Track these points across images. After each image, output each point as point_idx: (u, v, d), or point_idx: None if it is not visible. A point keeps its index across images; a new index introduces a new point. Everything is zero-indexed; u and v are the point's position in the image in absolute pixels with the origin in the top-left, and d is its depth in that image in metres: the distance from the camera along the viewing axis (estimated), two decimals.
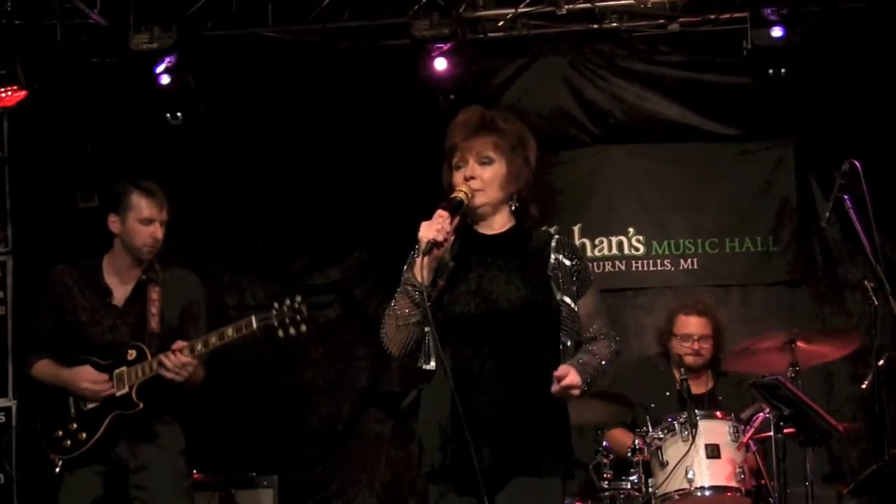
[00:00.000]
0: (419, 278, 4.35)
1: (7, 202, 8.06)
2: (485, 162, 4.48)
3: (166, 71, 7.69)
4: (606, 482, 6.45)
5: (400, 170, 7.82)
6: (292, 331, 5.51)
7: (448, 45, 7.61)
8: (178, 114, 7.85)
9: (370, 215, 7.93)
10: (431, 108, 7.62)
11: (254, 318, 5.55)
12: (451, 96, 7.68)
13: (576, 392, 4.35)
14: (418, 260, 4.35)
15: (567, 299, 4.49)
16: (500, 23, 7.78)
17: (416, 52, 7.64)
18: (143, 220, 5.78)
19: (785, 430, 6.09)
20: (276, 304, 5.53)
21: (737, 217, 8.04)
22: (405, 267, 4.57)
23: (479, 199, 4.47)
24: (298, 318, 5.51)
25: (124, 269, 5.88)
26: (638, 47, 8.01)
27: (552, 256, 4.53)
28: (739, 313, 7.76)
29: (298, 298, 5.52)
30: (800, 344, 6.26)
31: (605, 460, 6.49)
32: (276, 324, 5.53)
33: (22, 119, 7.96)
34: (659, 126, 8.06)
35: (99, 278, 5.87)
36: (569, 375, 4.32)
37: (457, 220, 4.40)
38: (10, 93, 7.68)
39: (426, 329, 4.46)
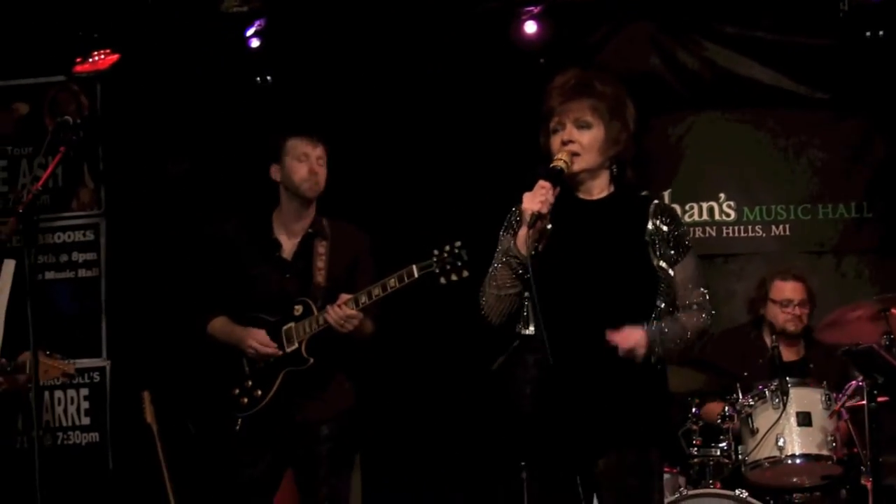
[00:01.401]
0: (522, 250, 4.33)
1: (100, 165, 8.12)
2: (583, 126, 4.44)
3: (256, 34, 7.77)
4: (696, 449, 6.43)
5: (495, 135, 7.81)
6: (454, 276, 5.48)
7: (538, 7, 7.63)
8: (269, 77, 7.91)
9: (466, 183, 7.92)
10: (524, 72, 7.61)
11: (415, 267, 5.53)
12: (542, 60, 7.70)
13: (639, 353, 4.36)
14: (521, 232, 4.32)
15: (664, 265, 4.47)
16: None
17: (507, 15, 7.65)
18: (301, 155, 5.86)
19: (878, 399, 6.03)
20: (435, 251, 5.50)
21: (829, 182, 7.97)
22: (501, 232, 4.57)
23: (578, 165, 4.42)
24: (459, 263, 5.47)
25: (291, 223, 5.94)
26: (731, 10, 7.92)
27: (650, 222, 4.50)
28: (831, 280, 7.73)
29: (458, 244, 5.48)
30: (894, 311, 6.18)
31: (694, 427, 6.47)
32: (437, 270, 5.50)
33: (115, 83, 8.01)
34: (750, 90, 7.97)
35: (268, 232, 5.93)
36: (629, 339, 4.34)
37: (557, 189, 4.34)
38: (103, 56, 7.81)
39: (525, 294, 4.44)
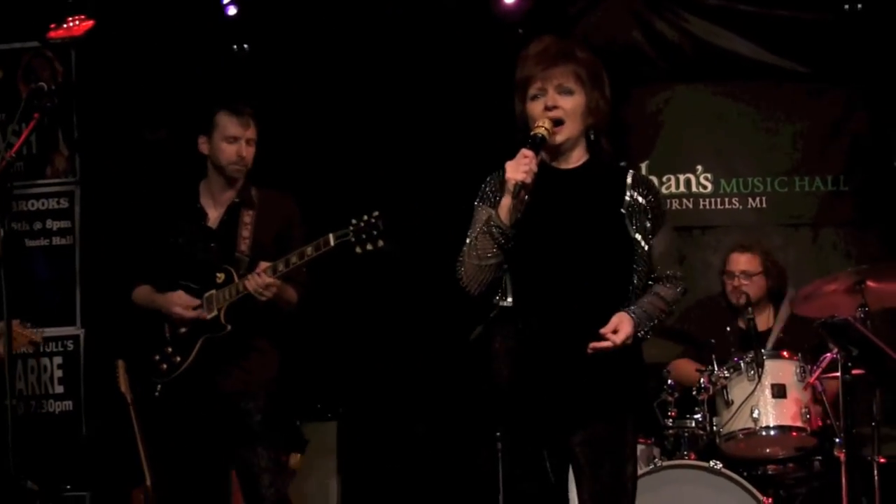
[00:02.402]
0: (505, 219, 4.34)
1: (75, 132, 8.10)
2: (565, 92, 4.44)
3: (233, 2, 7.78)
4: (671, 420, 6.49)
5: (469, 107, 7.83)
6: (369, 246, 5.52)
7: None
8: (245, 45, 7.93)
9: (435, 147, 7.96)
10: (503, 42, 7.54)
11: (331, 236, 5.57)
12: (520, 31, 7.71)
13: (628, 340, 4.37)
14: (505, 201, 4.34)
15: (639, 237, 4.49)
16: None
17: None
18: (229, 137, 5.91)
19: (853, 371, 6.04)
20: (353, 221, 5.53)
21: (807, 156, 8.01)
22: (476, 202, 4.59)
23: (562, 135, 4.43)
24: (375, 232, 5.50)
25: (217, 192, 5.99)
26: None
27: (628, 193, 4.53)
28: (808, 253, 7.79)
29: (375, 213, 5.51)
30: (870, 284, 6.19)
31: (669, 398, 6.52)
32: (353, 239, 5.53)
33: (90, 49, 7.98)
34: (730, 63, 8.02)
35: (194, 202, 5.97)
36: (621, 330, 4.35)
37: (539, 157, 4.36)
38: (77, 22, 7.76)
39: (504, 265, 4.45)
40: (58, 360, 7.99)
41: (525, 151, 4.32)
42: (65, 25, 7.76)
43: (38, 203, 8.12)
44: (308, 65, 7.97)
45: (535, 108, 4.45)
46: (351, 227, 5.54)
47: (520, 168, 4.29)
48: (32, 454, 7.42)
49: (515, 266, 4.45)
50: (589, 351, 4.35)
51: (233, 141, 5.91)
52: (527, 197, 4.39)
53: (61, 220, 8.11)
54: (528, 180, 4.30)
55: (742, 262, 7.06)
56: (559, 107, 4.42)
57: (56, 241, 8.09)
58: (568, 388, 4.43)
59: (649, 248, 4.53)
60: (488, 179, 4.64)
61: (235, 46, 7.94)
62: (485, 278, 4.49)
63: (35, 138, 8.01)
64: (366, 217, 5.53)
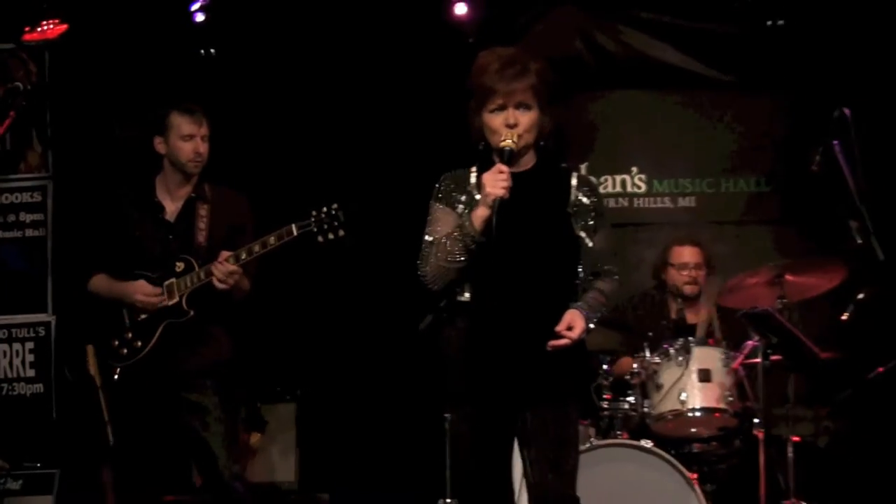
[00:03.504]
0: (479, 229, 4.40)
1: (48, 129, 8.14)
2: (524, 107, 4.49)
3: (201, 9, 7.82)
4: (606, 403, 6.60)
5: (422, 111, 7.90)
6: (330, 236, 5.56)
7: None
8: (212, 50, 7.98)
9: (385, 157, 8.02)
10: (454, 50, 7.65)
11: (294, 226, 5.60)
12: (471, 40, 7.78)
13: (583, 335, 4.49)
14: (481, 212, 4.38)
15: (583, 234, 4.60)
16: None
17: None
18: (185, 136, 5.91)
19: (772, 357, 6.28)
20: (314, 212, 5.58)
21: (733, 159, 8.15)
22: (432, 201, 4.68)
23: (520, 145, 4.48)
24: (336, 223, 5.55)
25: (174, 188, 5.99)
26: None
27: (572, 194, 4.62)
28: (734, 249, 7.87)
29: (335, 205, 5.55)
30: (788, 277, 6.40)
31: (605, 382, 6.66)
32: (314, 230, 5.57)
33: (63, 51, 8.02)
34: (663, 72, 8.12)
35: (152, 196, 5.99)
36: (575, 327, 4.45)
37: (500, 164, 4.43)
38: (51, 26, 7.80)
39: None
40: (29, 345, 8.04)
41: (501, 167, 4.37)
42: (39, 28, 7.79)
43: (11, 197, 8.17)
44: (271, 69, 8.00)
45: (495, 120, 4.49)
46: (312, 218, 5.56)
47: (498, 184, 4.34)
48: (4, 434, 7.56)
49: (473, 263, 4.50)
50: (549, 349, 4.44)
51: (188, 139, 5.91)
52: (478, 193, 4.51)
53: (34, 213, 8.16)
54: (507, 195, 4.34)
55: (688, 254, 7.11)
56: (519, 123, 4.48)
57: (29, 232, 8.14)
58: (519, 374, 4.51)
59: (592, 245, 4.62)
60: (442, 179, 4.70)
61: (202, 51, 7.97)
62: (449, 277, 4.56)
63: (9, 135, 7.89)
64: (325, 208, 5.56)
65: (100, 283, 6.00)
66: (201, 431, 5.88)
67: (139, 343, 5.85)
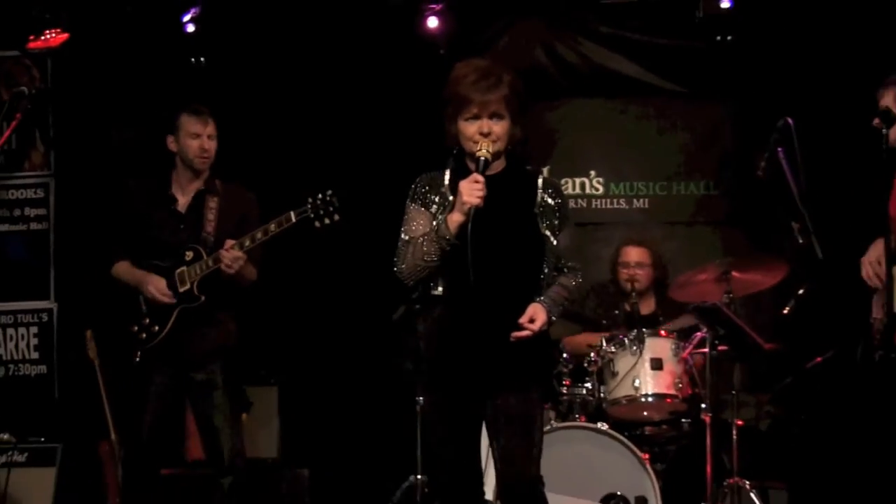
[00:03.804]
0: (454, 233, 4.39)
1: (50, 131, 8.11)
2: (497, 117, 4.47)
3: (192, 20, 7.78)
4: (565, 388, 6.61)
5: (397, 117, 7.90)
6: (327, 220, 5.60)
7: (440, 5, 7.70)
8: (202, 58, 7.93)
9: (362, 157, 7.99)
10: (426, 61, 7.71)
11: (292, 213, 5.65)
12: (442, 51, 7.77)
13: (544, 327, 4.50)
14: (456, 217, 4.37)
15: (548, 233, 4.59)
16: None
17: (412, 10, 7.72)
18: (192, 134, 6.00)
19: (719, 348, 6.30)
20: (310, 199, 5.62)
21: (684, 164, 8.13)
22: (408, 201, 4.65)
23: (492, 153, 4.47)
24: (331, 208, 5.58)
25: (185, 182, 6.07)
26: (605, 13, 8.06)
27: (538, 195, 4.61)
28: (684, 247, 7.86)
29: (329, 192, 5.60)
30: (734, 274, 6.41)
31: (564, 370, 6.65)
32: (311, 215, 5.60)
33: (64, 58, 7.98)
34: (620, 82, 8.11)
35: (166, 190, 6.06)
36: (538, 319, 4.46)
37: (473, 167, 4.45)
38: (54, 35, 7.73)
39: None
40: (33, 329, 8.02)
41: (477, 177, 4.37)
42: (42, 37, 7.72)
43: (17, 193, 8.13)
44: (257, 76, 7.97)
45: (470, 129, 4.47)
46: (309, 205, 5.60)
47: (474, 193, 4.33)
48: (10, 411, 7.56)
49: (446, 260, 4.49)
50: (512, 339, 4.43)
51: (195, 137, 5.99)
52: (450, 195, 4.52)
53: (37, 208, 8.13)
54: (482, 204, 4.34)
55: (634, 254, 7.13)
56: (493, 132, 4.46)
57: (33, 226, 8.11)
58: (487, 362, 4.51)
59: (556, 243, 4.61)
60: (418, 180, 4.67)
61: (193, 59, 7.92)
62: (424, 274, 4.55)
63: (15, 136, 7.79)
64: (321, 195, 5.60)
65: (122, 269, 6.07)
66: (208, 409, 5.95)
67: (156, 328, 5.91)
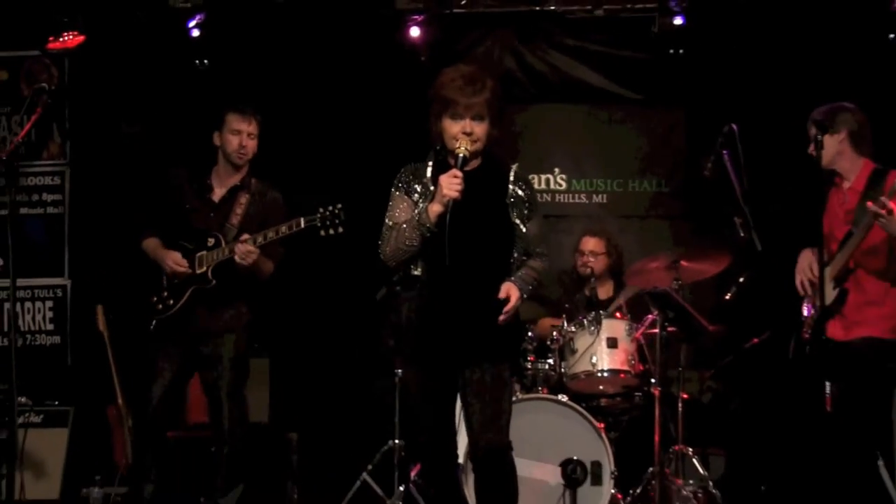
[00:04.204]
0: (433, 221, 4.44)
1: (66, 124, 8.10)
2: (478, 118, 4.51)
3: (197, 26, 7.76)
4: (529, 364, 6.60)
5: (381, 117, 7.87)
6: (331, 231, 5.60)
7: (421, 17, 7.69)
8: (205, 61, 7.91)
9: (350, 154, 7.96)
10: (408, 67, 7.75)
11: (302, 219, 5.65)
12: (423, 58, 7.78)
13: (518, 304, 4.54)
14: (435, 208, 4.42)
15: (518, 222, 4.62)
16: (463, 1, 7.79)
17: (397, 21, 7.70)
18: (234, 131, 5.97)
19: (668, 329, 6.30)
20: (320, 209, 5.61)
21: (638, 164, 8.12)
22: (393, 189, 4.68)
23: (472, 151, 4.52)
24: (337, 221, 5.58)
25: (224, 176, 6.06)
26: (570, 27, 8.04)
27: (510, 187, 4.64)
28: (638, 239, 7.85)
29: (339, 205, 5.59)
30: (683, 263, 6.41)
31: (529, 347, 6.64)
32: (318, 224, 5.60)
33: (80, 58, 7.97)
34: (583, 90, 8.11)
35: (205, 179, 6.05)
36: (512, 296, 4.50)
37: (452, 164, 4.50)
38: (71, 37, 7.74)
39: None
40: (49, 303, 8.03)
41: (456, 172, 4.42)
42: (61, 39, 7.72)
43: (35, 180, 8.12)
44: (255, 77, 7.91)
45: (454, 127, 4.51)
46: (318, 214, 5.61)
47: (453, 187, 4.38)
48: (27, 377, 7.38)
49: (426, 244, 4.52)
50: (500, 322, 4.49)
51: (236, 134, 5.98)
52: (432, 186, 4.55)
53: (54, 193, 8.13)
54: (460, 197, 4.39)
55: (590, 243, 7.14)
56: (474, 132, 4.51)
57: (49, 210, 8.11)
58: (461, 337, 4.53)
59: (525, 231, 4.64)
60: (403, 170, 4.70)
61: (197, 61, 7.89)
62: (405, 257, 4.58)
63: (34, 128, 7.52)
64: (331, 207, 5.60)
65: (150, 244, 6.07)
66: (213, 382, 5.96)
67: (172, 301, 5.93)
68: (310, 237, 5.72)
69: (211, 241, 5.90)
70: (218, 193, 6.05)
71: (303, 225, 5.66)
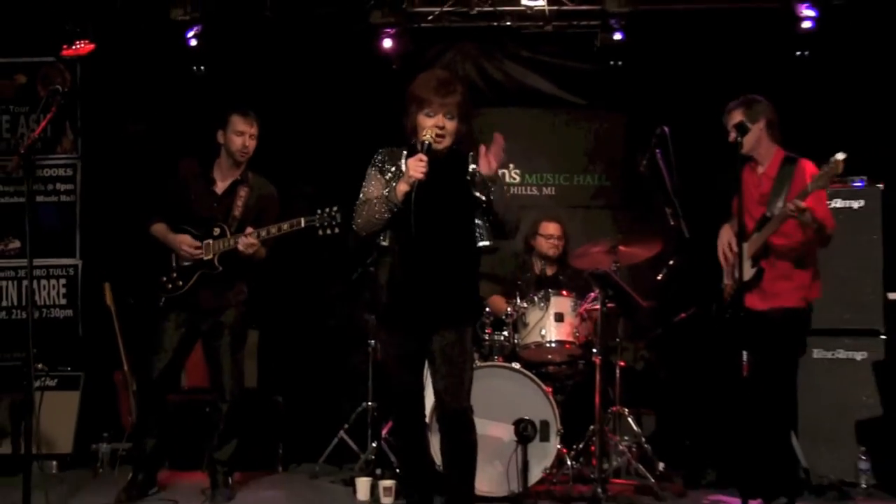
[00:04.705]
0: (400, 199, 4.47)
1: (78, 122, 8.05)
2: (449, 116, 4.58)
3: (194, 36, 7.71)
4: (486, 335, 6.59)
5: (357, 117, 7.79)
6: (328, 231, 5.58)
7: (393, 30, 7.64)
8: (202, 67, 7.85)
9: (330, 148, 7.87)
10: (381, 74, 7.70)
11: (302, 219, 5.66)
12: (394, 66, 7.73)
13: (493, 171, 4.49)
14: (401, 187, 4.47)
15: (478, 194, 4.60)
16: (430, 17, 7.76)
17: (371, 34, 7.64)
18: (237, 132, 5.96)
19: (608, 305, 6.30)
20: (319, 210, 5.60)
21: (583, 160, 8.07)
22: (369, 168, 4.72)
23: (443, 144, 4.57)
24: (334, 223, 5.57)
25: (226, 170, 6.04)
26: (524, 40, 8.01)
27: (470, 167, 4.64)
28: (582, 226, 7.81)
29: (335, 208, 5.57)
30: (621, 248, 6.43)
31: (486, 320, 6.63)
32: (317, 224, 5.60)
33: (91, 64, 7.92)
34: (535, 96, 8.07)
35: (210, 172, 6.03)
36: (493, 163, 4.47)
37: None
38: (82, 45, 7.71)
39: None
40: (62, 281, 7.98)
41: (421, 156, 4.46)
42: (73, 46, 7.70)
43: (50, 171, 8.05)
44: (246, 82, 7.85)
45: (427, 122, 4.57)
46: (317, 215, 5.60)
47: (418, 169, 4.43)
48: (43, 346, 7.33)
49: (394, 218, 4.56)
50: (485, 163, 4.48)
51: (240, 134, 5.97)
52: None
53: (67, 184, 8.07)
54: (424, 178, 4.43)
55: (552, 228, 7.13)
56: (445, 127, 4.58)
57: (63, 198, 8.05)
58: (429, 305, 4.55)
59: (487, 200, 4.58)
60: (380, 151, 4.75)
61: (195, 67, 7.83)
62: (375, 229, 4.62)
63: (49, 125, 7.56)
64: (328, 209, 5.59)
65: (159, 229, 6.03)
66: (215, 351, 5.98)
67: (181, 283, 5.92)
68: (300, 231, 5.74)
69: (217, 231, 5.89)
70: (220, 186, 6.02)
71: (303, 224, 5.66)
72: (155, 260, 6.03)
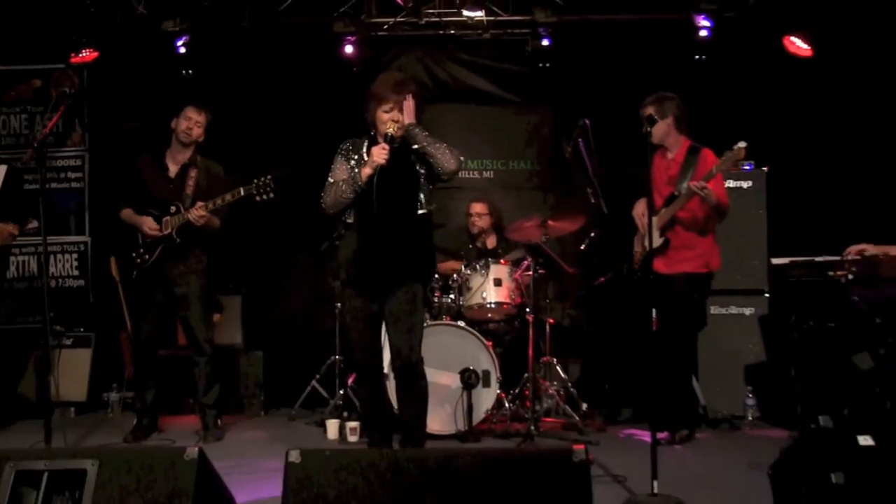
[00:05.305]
0: (364, 181, 4.45)
1: (86, 120, 7.95)
2: (403, 111, 4.58)
3: (183, 44, 7.60)
4: (436, 298, 6.54)
5: (323, 112, 7.67)
6: (265, 196, 5.55)
7: (353, 38, 7.56)
8: (190, 71, 7.76)
9: (300, 139, 7.73)
10: (343, 75, 7.61)
11: (241, 189, 5.60)
12: (355, 69, 7.63)
13: (410, 120, 4.51)
14: (366, 171, 4.45)
15: (419, 167, 4.60)
16: (385, 26, 7.65)
17: (335, 41, 7.56)
18: (185, 118, 5.92)
19: (539, 271, 6.28)
20: (254, 180, 5.57)
21: (516, 148, 8.00)
22: (336, 156, 4.68)
23: (399, 134, 4.53)
24: (269, 188, 5.53)
25: (177, 155, 5.96)
26: (465, 46, 7.93)
27: (414, 146, 4.57)
28: (517, 205, 7.76)
29: (269, 177, 5.56)
30: (550, 223, 6.34)
31: (435, 285, 6.58)
32: (254, 192, 5.56)
33: (95, 70, 7.84)
34: (475, 93, 7.98)
35: (162, 159, 5.96)
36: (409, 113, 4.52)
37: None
38: (89, 53, 7.65)
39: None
40: (74, 255, 7.91)
41: (384, 145, 4.47)
42: (80, 54, 7.63)
43: (62, 161, 7.95)
44: (229, 84, 7.75)
45: (385, 116, 4.58)
46: (253, 184, 5.57)
47: (382, 155, 4.43)
48: (60, 311, 7.53)
49: (358, 198, 4.53)
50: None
51: (187, 119, 5.90)
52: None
53: (76, 172, 7.97)
54: (386, 164, 4.42)
55: (476, 207, 7.11)
56: (399, 120, 4.56)
57: (73, 185, 7.96)
58: (385, 271, 4.51)
59: (419, 148, 4.53)
60: (345, 141, 4.73)
61: (183, 72, 7.74)
62: (341, 207, 4.59)
63: (61, 122, 7.87)
64: (262, 178, 5.57)
65: (127, 214, 5.96)
66: (186, 312, 5.91)
67: (147, 256, 5.87)
68: (272, 204, 5.62)
69: (173, 209, 5.82)
70: (173, 170, 5.95)
71: (242, 193, 5.61)
72: (129, 239, 6.00)
